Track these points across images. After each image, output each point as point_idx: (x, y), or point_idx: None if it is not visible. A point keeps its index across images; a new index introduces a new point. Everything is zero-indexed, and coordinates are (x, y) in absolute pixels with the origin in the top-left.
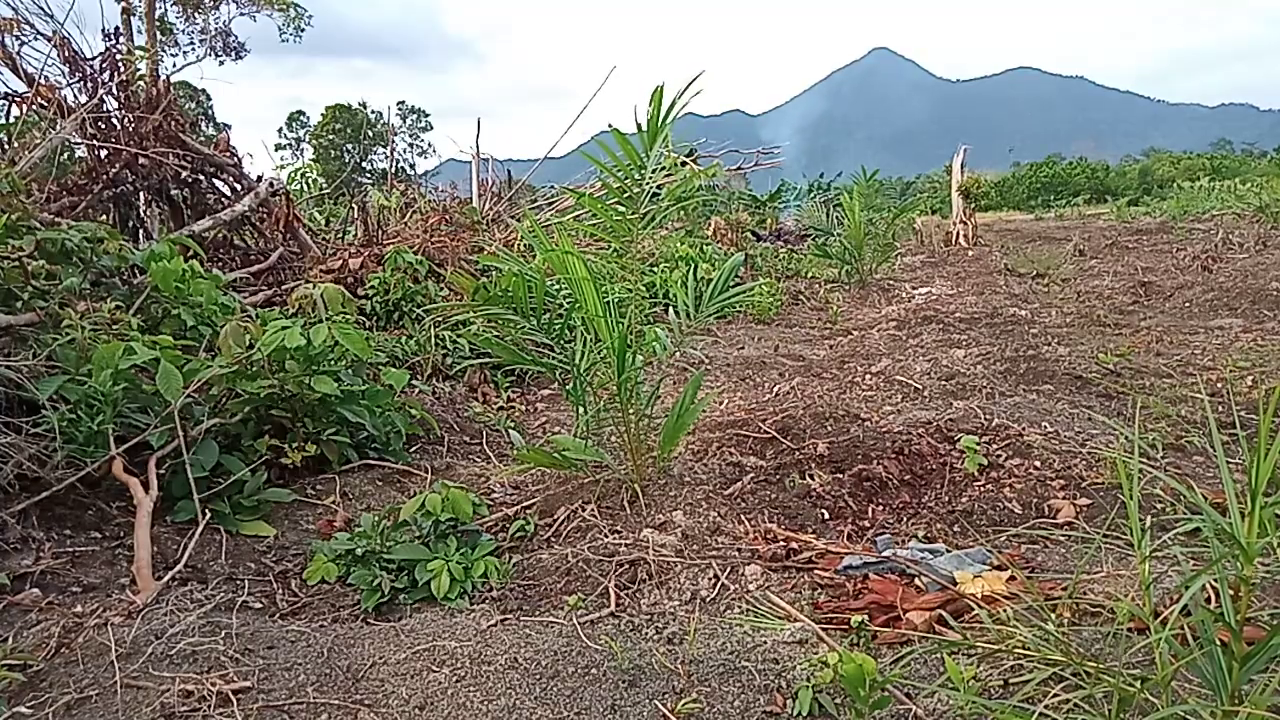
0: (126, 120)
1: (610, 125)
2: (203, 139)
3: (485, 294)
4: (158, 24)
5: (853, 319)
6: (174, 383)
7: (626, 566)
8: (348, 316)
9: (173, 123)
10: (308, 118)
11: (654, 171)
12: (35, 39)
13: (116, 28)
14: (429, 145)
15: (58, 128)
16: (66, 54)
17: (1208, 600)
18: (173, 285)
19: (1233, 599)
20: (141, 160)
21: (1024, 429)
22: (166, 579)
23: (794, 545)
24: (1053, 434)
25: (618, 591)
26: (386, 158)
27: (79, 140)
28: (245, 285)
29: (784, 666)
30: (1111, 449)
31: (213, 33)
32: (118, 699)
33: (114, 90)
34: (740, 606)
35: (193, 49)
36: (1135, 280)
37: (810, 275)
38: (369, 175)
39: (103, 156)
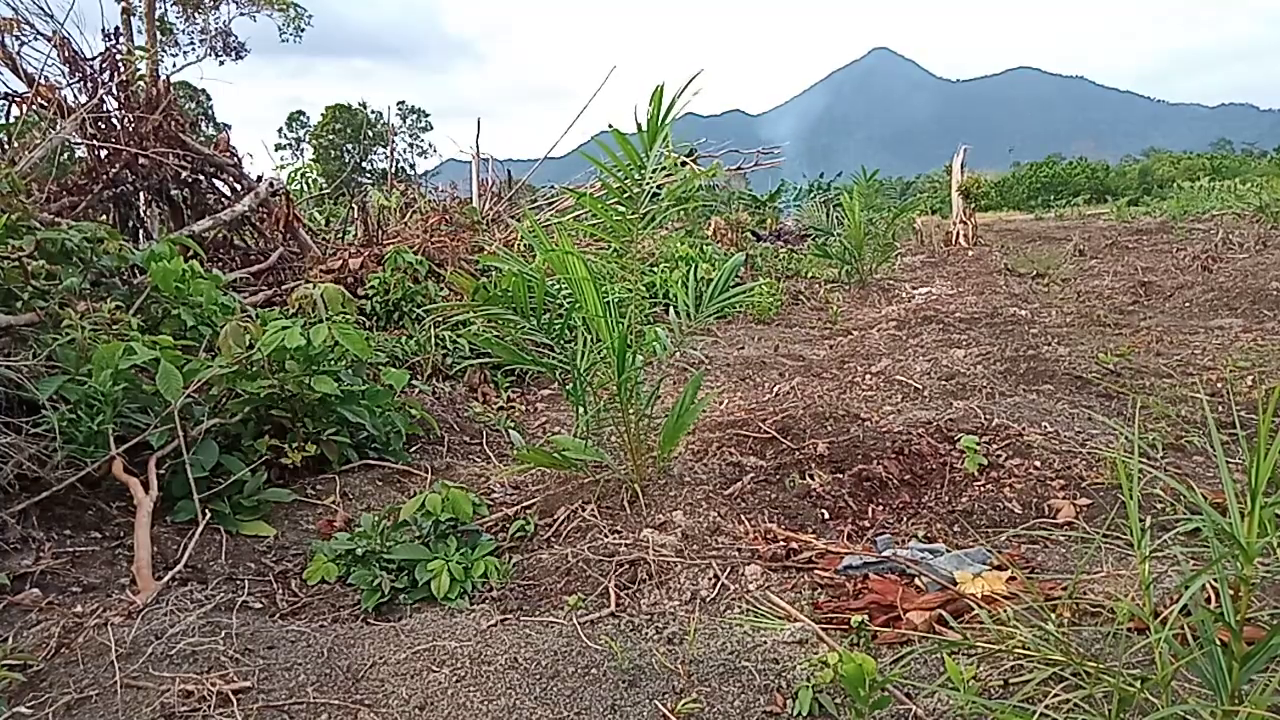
0: (126, 120)
1: (610, 125)
2: (203, 139)
3: (485, 294)
4: (158, 24)
5: (853, 319)
6: (174, 383)
7: (626, 566)
8: (348, 316)
9: (173, 123)
10: (308, 118)
11: (654, 171)
12: (35, 39)
13: (116, 28)
14: (429, 145)
15: (58, 128)
16: (66, 54)
17: (1208, 600)
18: (173, 285)
19: (1233, 599)
20: (141, 160)
21: (1024, 429)
22: (166, 579)
23: (794, 545)
24: (1053, 434)
25: (618, 591)
26: (386, 158)
27: (79, 140)
28: (245, 285)
29: (784, 666)
30: (1111, 449)
31: (213, 33)
32: (118, 699)
33: (114, 90)
34: (740, 606)
35: (193, 49)
36: (1135, 280)
37: (810, 275)
38: (369, 175)
39: (103, 156)
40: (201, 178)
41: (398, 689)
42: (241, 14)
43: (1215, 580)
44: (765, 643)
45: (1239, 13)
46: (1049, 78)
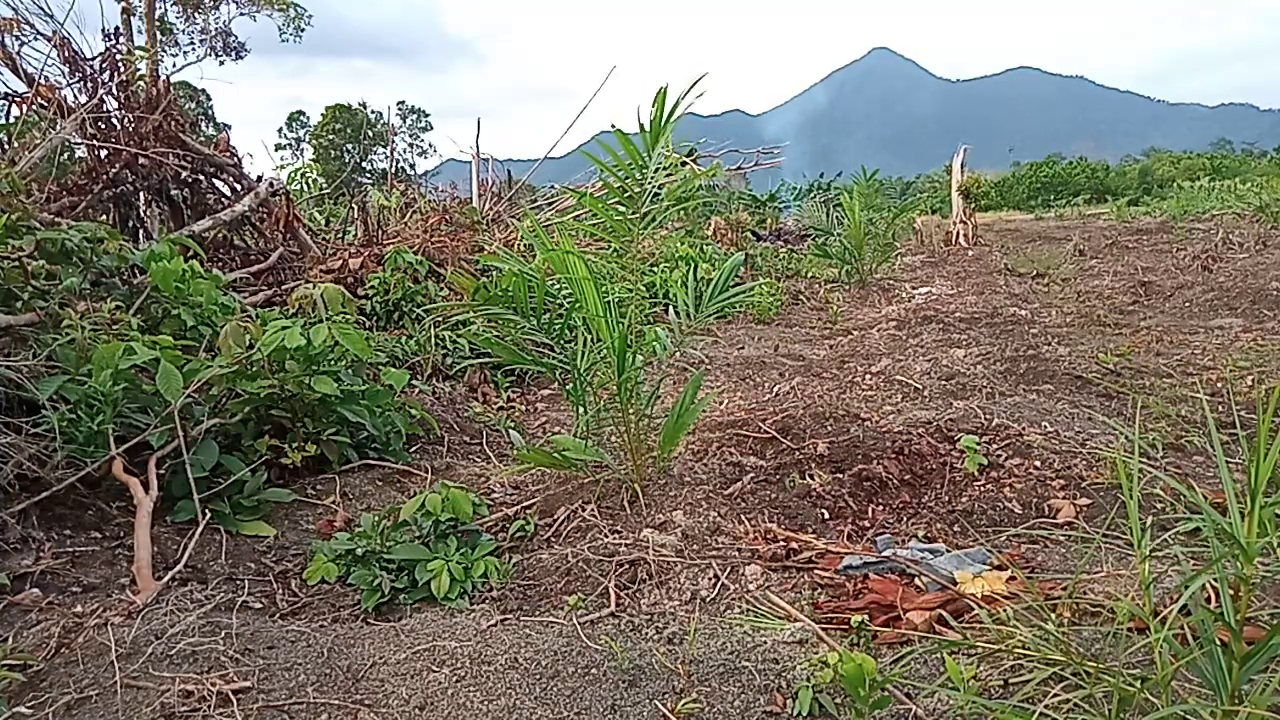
0: (126, 120)
1: (613, 125)
2: (203, 139)
3: (485, 294)
4: (158, 24)
5: (853, 319)
6: (174, 383)
7: (626, 566)
8: (348, 316)
9: (173, 123)
10: (308, 118)
11: (655, 171)
12: (35, 39)
13: (116, 28)
14: (429, 145)
15: (58, 128)
16: (66, 54)
17: (1208, 600)
18: (173, 285)
19: (1233, 599)
20: (141, 160)
21: (1024, 429)
22: (166, 579)
23: (794, 545)
24: (1053, 434)
25: (618, 591)
26: (386, 158)
27: (79, 140)
28: (245, 285)
29: (784, 666)
30: (1111, 449)
31: (213, 33)
32: (118, 699)
33: (114, 90)
34: (740, 606)
35: (193, 49)
36: (1135, 280)
37: (810, 275)
38: (369, 175)
39: (103, 156)
40: (201, 178)
41: (398, 689)
42: (241, 14)
43: (1215, 580)
44: (765, 643)
45: (1239, 13)
46: (1049, 78)
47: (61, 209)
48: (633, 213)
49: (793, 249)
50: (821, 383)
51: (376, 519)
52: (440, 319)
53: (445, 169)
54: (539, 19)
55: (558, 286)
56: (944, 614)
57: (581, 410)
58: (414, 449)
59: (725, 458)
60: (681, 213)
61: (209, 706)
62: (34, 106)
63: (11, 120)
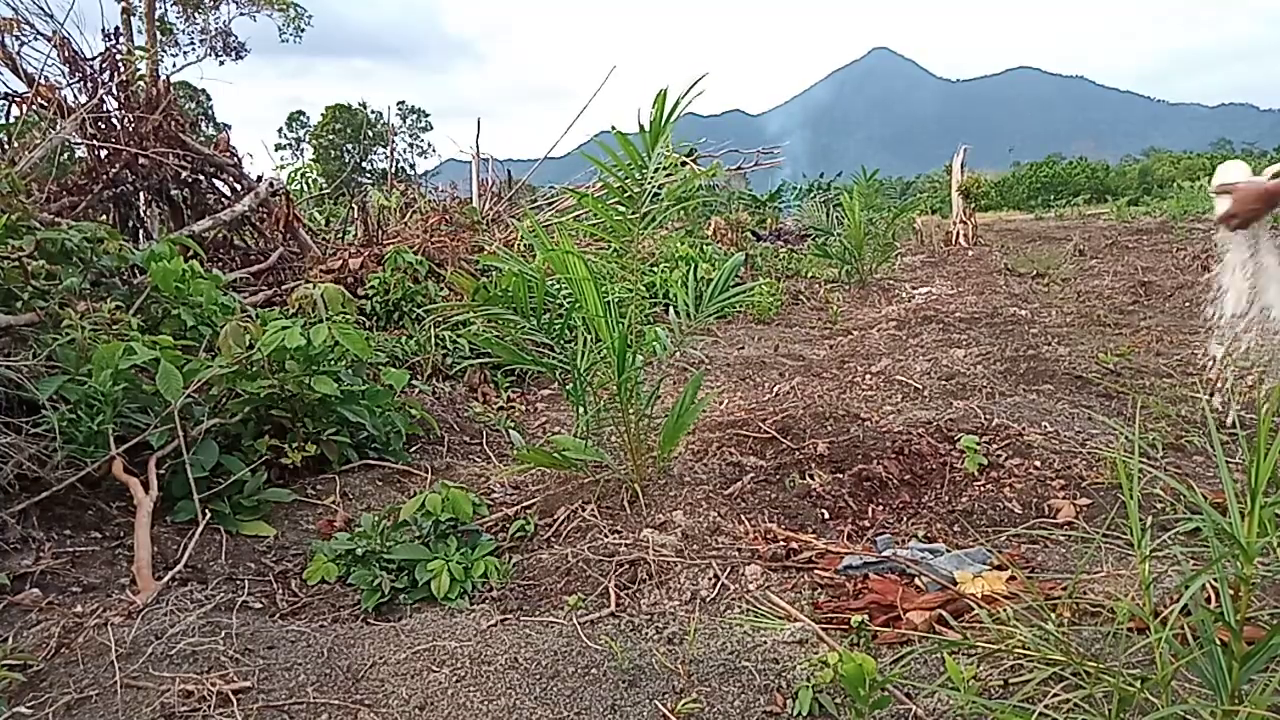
0: (126, 120)
1: (612, 126)
2: (203, 139)
3: (485, 294)
4: (158, 24)
5: (853, 319)
6: (174, 383)
7: (626, 566)
8: (348, 316)
9: (173, 123)
10: (308, 118)
11: (655, 172)
12: (35, 39)
13: (116, 28)
14: (429, 145)
15: (58, 128)
16: (66, 54)
17: (1208, 600)
18: (173, 285)
19: (1233, 599)
20: (141, 160)
21: (1024, 429)
22: (166, 579)
23: (794, 545)
24: (1053, 434)
25: (618, 591)
26: (386, 158)
27: (79, 140)
28: (245, 285)
29: (784, 666)
30: (1111, 449)
31: (213, 33)
32: (118, 699)
33: (114, 90)
34: (740, 606)
35: (193, 49)
36: (1135, 280)
37: (810, 275)
38: (369, 175)
39: (103, 156)
40: (201, 178)
41: (398, 689)
42: (241, 14)
43: (1215, 580)
44: (765, 643)
45: (1239, 13)
46: (1049, 78)
47: (61, 209)
48: (633, 213)
49: (793, 249)
50: (821, 383)
51: (376, 519)
52: (440, 319)
53: (445, 169)
54: (539, 19)
55: (558, 286)
56: (944, 614)
57: (581, 410)
58: (414, 449)
59: (725, 458)
60: (681, 213)
61: (209, 706)
62: (34, 106)
63: (11, 120)
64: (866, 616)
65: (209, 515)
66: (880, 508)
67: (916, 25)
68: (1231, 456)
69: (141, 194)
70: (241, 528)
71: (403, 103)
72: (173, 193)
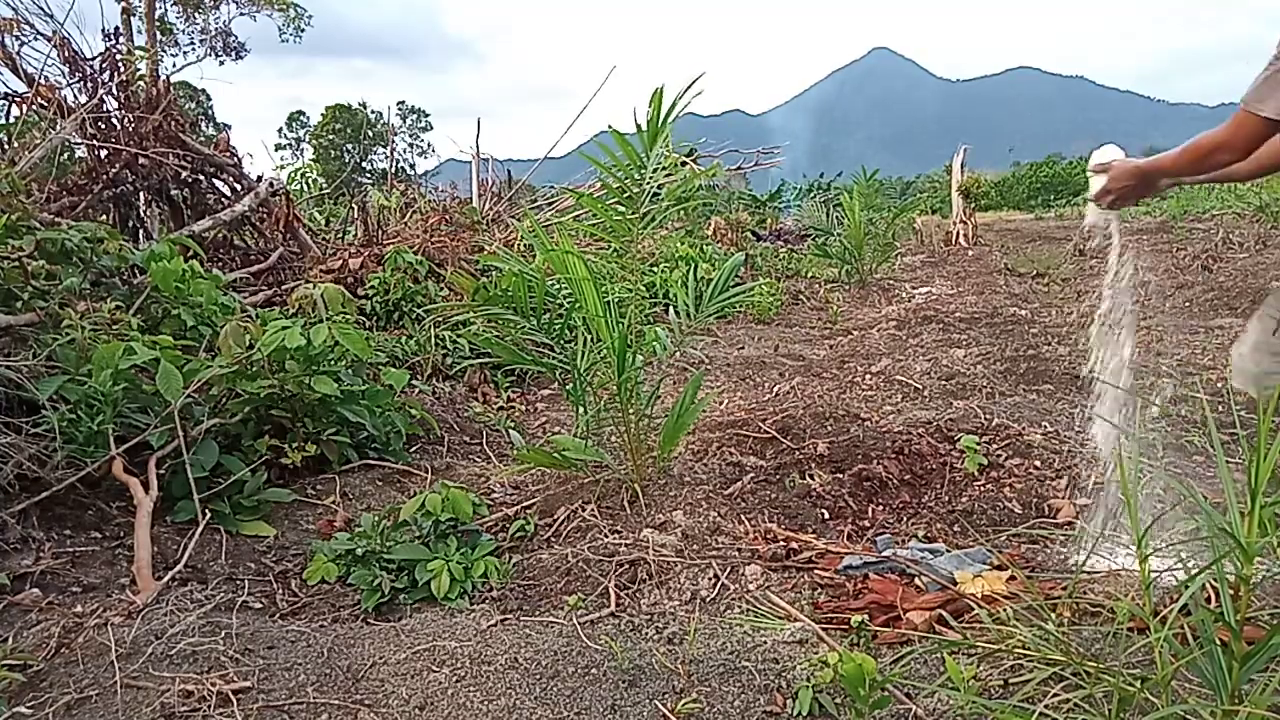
0: (126, 120)
1: (610, 126)
2: (203, 139)
3: (485, 294)
4: (158, 24)
5: (853, 319)
6: (174, 383)
7: (626, 566)
8: (348, 316)
9: (173, 123)
10: (308, 118)
11: (654, 172)
12: (35, 39)
13: (116, 28)
14: (429, 145)
15: (58, 128)
16: (66, 54)
17: (1208, 600)
18: (173, 285)
19: (1233, 599)
20: (141, 160)
21: (1024, 429)
22: (166, 579)
23: (794, 545)
24: (1053, 434)
25: (618, 591)
26: (386, 158)
27: (79, 140)
28: (245, 285)
29: (784, 666)
30: (1111, 449)
31: (213, 33)
32: (118, 699)
33: (114, 90)
34: (740, 606)
35: (193, 49)
36: (1135, 280)
37: (810, 275)
38: (369, 175)
39: (103, 156)
40: (201, 178)
41: (398, 689)
42: (241, 14)
43: (1215, 580)
44: (765, 643)
45: (1239, 13)
46: (1049, 78)
47: (61, 209)
48: (632, 213)
49: (793, 249)
50: (821, 383)
51: (376, 519)
52: (440, 319)
53: (445, 169)
54: (539, 19)
55: (558, 286)
56: (944, 614)
57: (581, 410)
58: (414, 449)
59: (725, 458)
60: (681, 213)
61: (209, 706)
62: (34, 106)
63: (11, 120)
64: (866, 616)
65: (209, 515)
66: (880, 508)
67: (916, 25)
68: (1232, 456)
69: (141, 194)
70: (241, 528)
71: (403, 103)
72: (173, 193)
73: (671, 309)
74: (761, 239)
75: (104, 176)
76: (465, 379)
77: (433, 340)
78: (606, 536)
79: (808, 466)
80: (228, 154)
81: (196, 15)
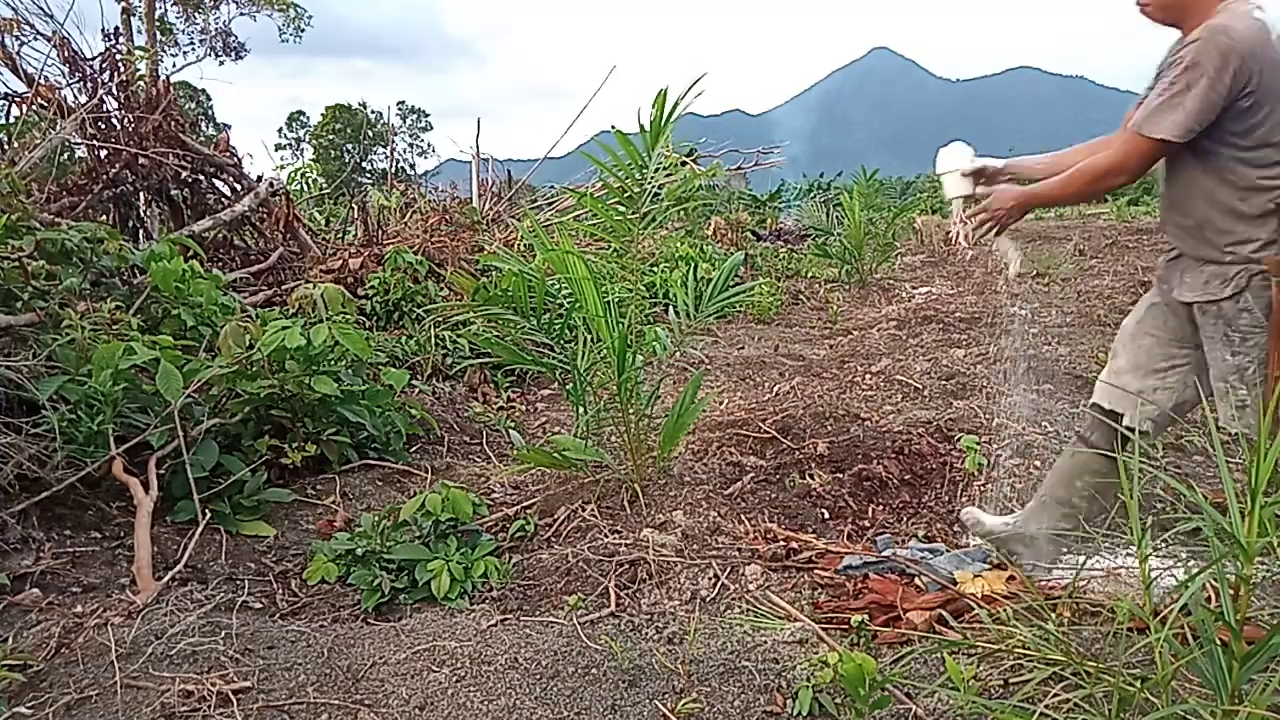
0: (126, 120)
1: (612, 126)
2: (203, 139)
3: (485, 294)
4: (158, 24)
5: (853, 319)
6: (174, 383)
7: (626, 566)
8: (348, 316)
9: (173, 123)
10: (308, 118)
11: (655, 172)
12: (35, 39)
13: (116, 28)
14: (429, 145)
15: (58, 128)
16: (66, 54)
17: (1208, 600)
18: (173, 285)
19: (1233, 598)
20: (141, 160)
21: (1024, 429)
22: (166, 579)
23: (794, 545)
24: (1053, 434)
25: (618, 591)
26: (386, 158)
27: (79, 140)
28: (245, 285)
29: (784, 666)
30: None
31: (213, 33)
32: (118, 699)
33: (114, 90)
34: (740, 606)
35: (193, 49)
36: (1135, 280)
37: (810, 275)
38: (369, 175)
39: (103, 156)
40: (201, 178)
41: (398, 689)
42: (241, 14)
43: (1215, 580)
44: (765, 642)
45: None
46: (1049, 78)
47: (61, 209)
48: (632, 213)
49: (793, 249)
50: (821, 383)
51: (376, 519)
52: (440, 319)
53: (445, 169)
54: (539, 19)
55: (558, 286)
56: (944, 614)
57: (581, 410)
58: (414, 449)
59: (725, 458)
60: (681, 213)
61: (209, 706)
62: (34, 106)
63: (11, 120)
64: (866, 616)
65: (209, 515)
66: (880, 508)
67: (916, 25)
68: (1232, 456)
69: (141, 194)
70: (241, 528)
71: (403, 103)
72: (173, 193)
73: (671, 309)
74: (761, 239)
75: (104, 176)
76: (465, 379)
77: (433, 340)
78: (606, 536)
79: (808, 466)
80: (228, 154)
81: (196, 15)
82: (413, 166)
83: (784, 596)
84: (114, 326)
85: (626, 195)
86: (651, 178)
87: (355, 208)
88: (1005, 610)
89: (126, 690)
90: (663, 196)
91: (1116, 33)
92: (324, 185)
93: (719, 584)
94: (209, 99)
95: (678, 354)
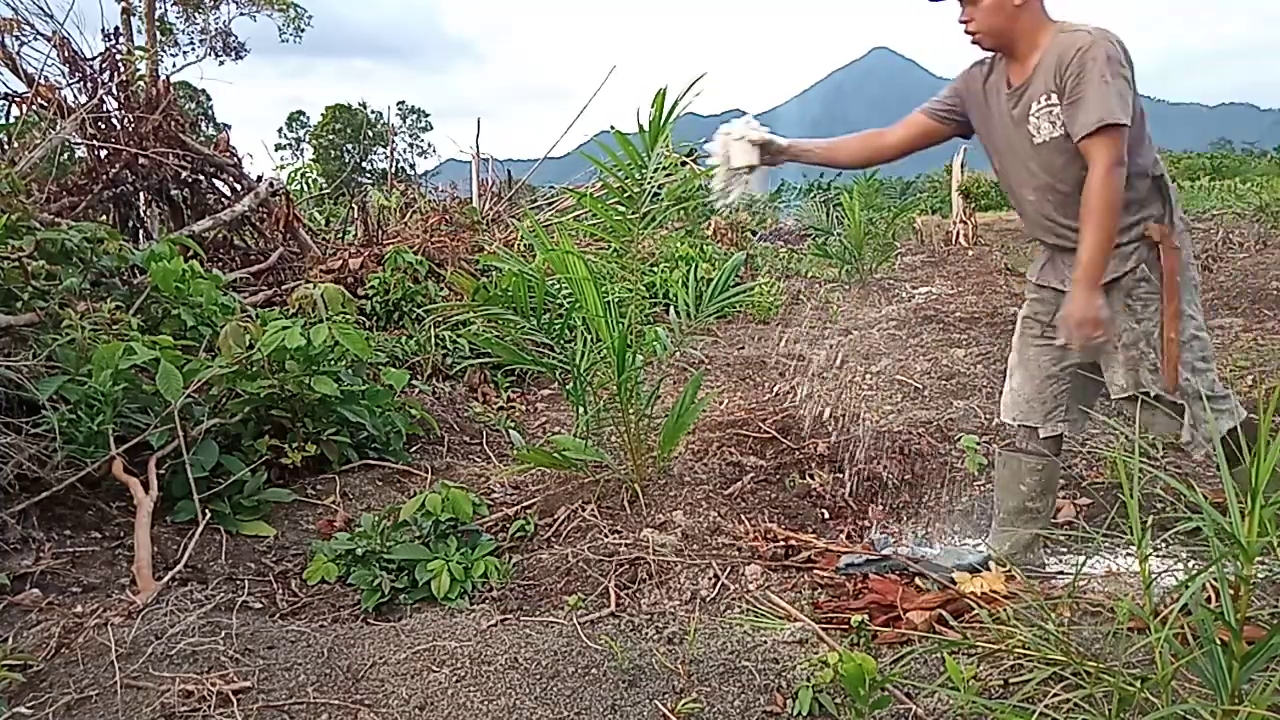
0: (126, 120)
1: (612, 126)
2: (203, 139)
3: (485, 294)
4: (158, 24)
5: (853, 318)
6: (174, 383)
7: (626, 566)
8: (348, 316)
9: (173, 123)
10: (308, 118)
11: (655, 171)
12: (35, 39)
13: (116, 28)
14: (429, 145)
15: (58, 128)
16: (66, 54)
17: (1208, 600)
18: (173, 285)
19: (1233, 598)
20: (141, 160)
21: None
22: (166, 579)
23: (794, 545)
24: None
25: (618, 591)
26: (386, 158)
27: (79, 140)
28: (245, 285)
29: (784, 666)
30: (1111, 448)
31: (213, 33)
32: (118, 699)
33: (114, 90)
34: (740, 606)
35: (193, 49)
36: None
37: (810, 275)
38: (369, 175)
39: (103, 156)
40: (201, 178)
41: (398, 689)
42: (241, 14)
43: (1215, 580)
44: (765, 642)
45: (1239, 13)
46: None
47: (61, 209)
48: (632, 213)
49: (793, 249)
50: (821, 382)
51: (376, 519)
52: (440, 319)
53: (445, 169)
54: (539, 19)
55: (558, 286)
56: (944, 614)
57: (581, 410)
58: (414, 449)
59: (725, 457)
60: (681, 213)
61: (209, 706)
62: (34, 106)
63: (11, 120)
64: (866, 616)
65: (209, 515)
66: (880, 508)
67: (916, 25)
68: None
69: (141, 194)
70: (241, 528)
71: (403, 103)
72: (173, 193)
73: (671, 309)
74: (761, 239)
75: (104, 176)
76: (465, 379)
77: (433, 340)
78: (606, 536)
79: (808, 466)
80: (228, 154)
81: (196, 15)
82: (413, 166)
83: (784, 596)
84: (114, 326)
85: (626, 195)
86: (651, 178)
87: (355, 208)
88: (1005, 610)
89: (126, 690)
90: (662, 196)
91: (1116, 32)
92: (324, 185)
93: (719, 584)
94: (209, 99)
95: (678, 354)
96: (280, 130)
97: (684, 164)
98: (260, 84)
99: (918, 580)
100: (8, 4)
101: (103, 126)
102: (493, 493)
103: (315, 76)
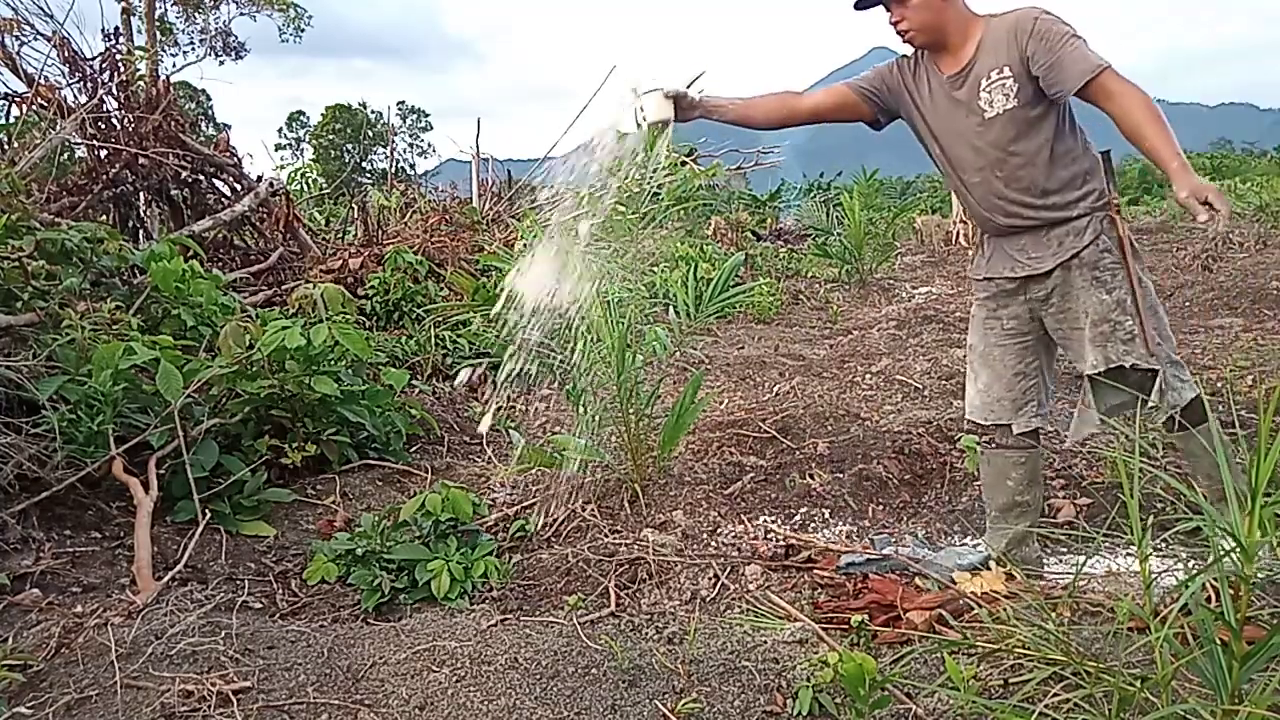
0: (126, 120)
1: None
2: (203, 139)
3: (485, 294)
4: (158, 24)
5: (853, 318)
6: (174, 383)
7: (626, 566)
8: (348, 316)
9: (173, 123)
10: (308, 118)
11: (655, 171)
12: (35, 39)
13: (116, 28)
14: (429, 145)
15: (58, 128)
16: (66, 54)
17: (1208, 600)
18: (173, 285)
19: (1233, 598)
20: (141, 160)
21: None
22: (166, 579)
23: (794, 545)
24: (1053, 434)
25: (618, 591)
26: (386, 158)
27: (79, 140)
28: (245, 285)
29: (784, 666)
30: (1111, 448)
31: (213, 33)
32: (118, 699)
33: (114, 90)
34: (740, 606)
35: (193, 49)
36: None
37: (810, 275)
38: (369, 175)
39: (103, 156)
40: (201, 178)
41: (398, 689)
42: (241, 14)
43: (1215, 580)
44: (765, 642)
45: (1239, 13)
46: None
47: (61, 209)
48: (632, 213)
49: (793, 249)
50: (821, 382)
51: (376, 519)
52: (440, 319)
53: (445, 169)
54: (539, 19)
55: None
56: (944, 614)
57: (581, 410)
58: (414, 449)
59: (725, 457)
60: (681, 213)
61: (209, 706)
62: (34, 106)
63: (11, 120)
64: (866, 616)
65: (209, 515)
66: (880, 507)
67: None
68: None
69: (141, 194)
70: (241, 528)
71: (403, 103)
72: (173, 193)
73: (671, 309)
74: (761, 239)
75: (104, 176)
76: (466, 380)
77: (433, 340)
78: (606, 536)
79: (808, 466)
80: (228, 154)
81: (196, 15)
82: (413, 166)
83: (784, 596)
84: (114, 326)
85: (626, 195)
86: (651, 178)
87: (355, 208)
88: (1005, 610)
89: (126, 690)
90: (663, 196)
91: (1116, 33)
92: (324, 185)
93: (719, 584)
94: (209, 99)
95: (678, 354)
96: (280, 130)
97: (684, 164)
98: (260, 84)
99: (918, 580)
100: (8, 4)
101: (103, 126)
102: (493, 493)
103: (315, 76)
